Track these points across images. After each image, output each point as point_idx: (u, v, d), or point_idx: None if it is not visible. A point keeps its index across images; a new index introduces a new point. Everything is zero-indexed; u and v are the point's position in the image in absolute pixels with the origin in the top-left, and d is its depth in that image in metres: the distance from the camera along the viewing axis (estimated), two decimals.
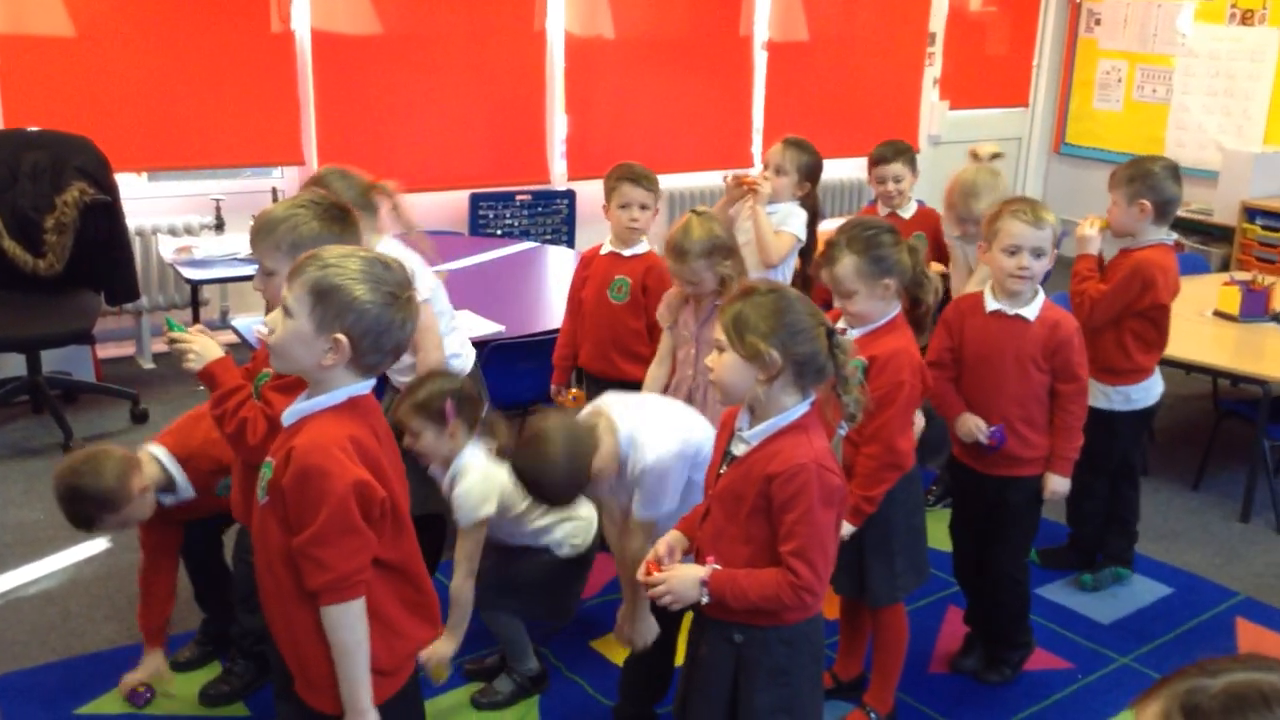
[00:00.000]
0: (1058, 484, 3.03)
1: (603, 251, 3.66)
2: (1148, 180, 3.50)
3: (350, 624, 1.93)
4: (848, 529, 2.69)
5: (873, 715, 2.97)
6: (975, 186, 3.87)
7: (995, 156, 4.05)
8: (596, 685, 3.13)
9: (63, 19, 5.02)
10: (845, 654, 3.10)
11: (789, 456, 2.10)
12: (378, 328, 1.91)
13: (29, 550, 3.80)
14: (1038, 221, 2.89)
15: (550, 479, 2.58)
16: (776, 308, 2.12)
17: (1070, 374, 2.97)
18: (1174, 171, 3.55)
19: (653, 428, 2.62)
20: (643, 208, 3.57)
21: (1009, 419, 2.99)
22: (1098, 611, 3.64)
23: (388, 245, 3.09)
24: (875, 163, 4.37)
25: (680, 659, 2.74)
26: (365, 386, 1.99)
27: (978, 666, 3.27)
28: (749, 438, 2.16)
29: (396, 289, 1.94)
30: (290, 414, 1.98)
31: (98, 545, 3.85)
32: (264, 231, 2.32)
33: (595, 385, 3.58)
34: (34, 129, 4.80)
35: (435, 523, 3.17)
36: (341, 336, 1.89)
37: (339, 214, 2.38)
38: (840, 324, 2.77)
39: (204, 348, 2.35)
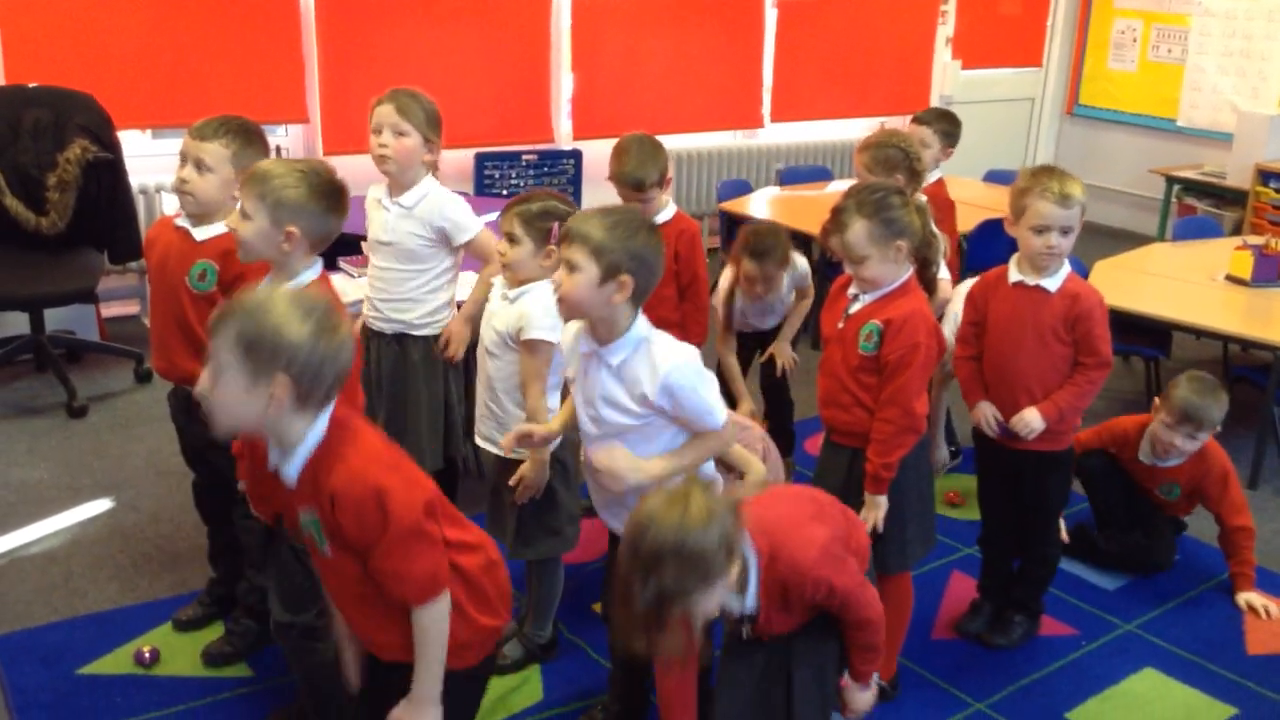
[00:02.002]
0: (1031, 416, 2.95)
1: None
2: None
3: (440, 616, 1.97)
4: (879, 501, 2.69)
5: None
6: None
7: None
8: (598, 649, 3.13)
9: None
10: None
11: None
12: (313, 364, 1.84)
13: (32, 510, 3.80)
14: (1065, 200, 2.85)
15: None
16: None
17: (1091, 348, 2.94)
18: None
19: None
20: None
21: (1032, 392, 2.97)
22: (1102, 577, 3.63)
23: (443, 195, 3.21)
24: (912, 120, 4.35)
25: None
26: (328, 410, 1.91)
27: (984, 629, 3.27)
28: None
29: (323, 318, 1.86)
30: (293, 470, 1.92)
31: (100, 505, 3.86)
32: (256, 180, 2.41)
33: None
34: (35, 85, 4.76)
35: (446, 469, 3.27)
36: (279, 382, 1.82)
37: (331, 191, 2.43)
38: (852, 289, 2.73)
39: None
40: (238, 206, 2.46)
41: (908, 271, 2.72)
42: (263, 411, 1.85)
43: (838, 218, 2.69)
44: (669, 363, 2.29)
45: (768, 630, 2.23)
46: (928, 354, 2.66)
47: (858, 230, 2.64)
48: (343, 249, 3.72)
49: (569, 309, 2.33)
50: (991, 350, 3.04)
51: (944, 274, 3.32)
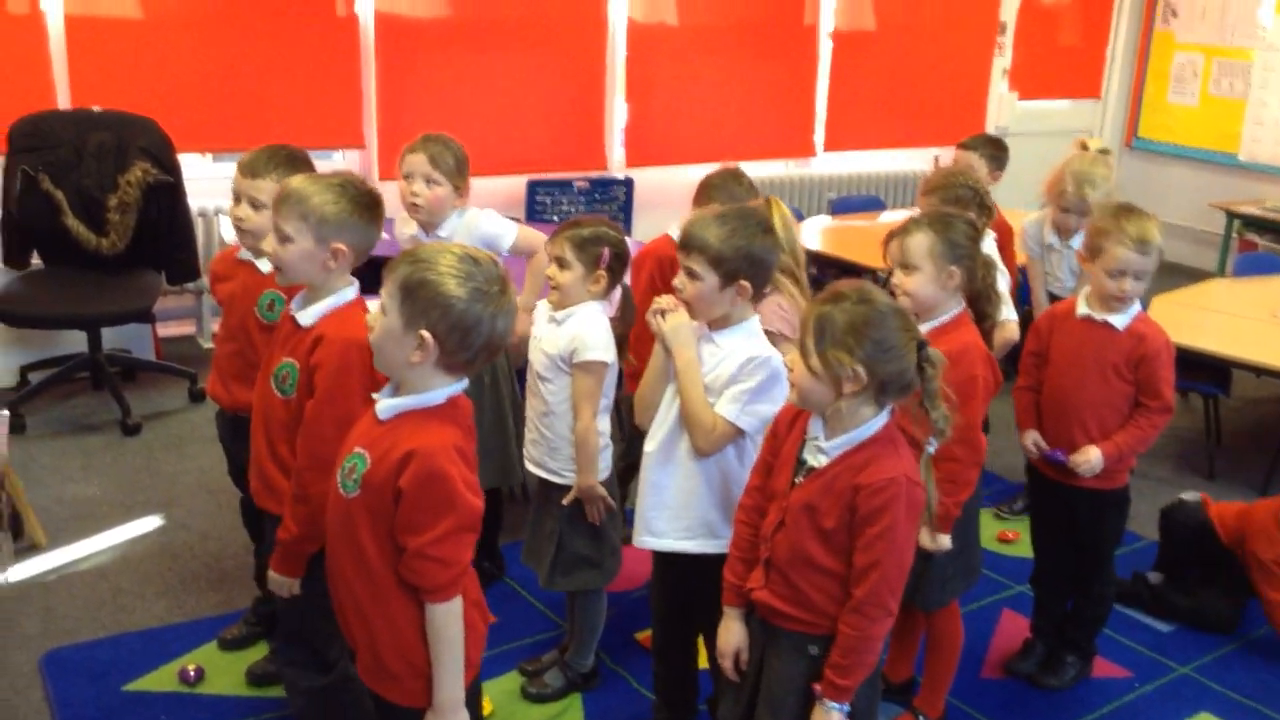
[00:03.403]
0: (1094, 455, 2.89)
1: None
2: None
3: (457, 618, 1.96)
4: (944, 540, 2.64)
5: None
6: (1091, 175, 3.81)
7: (1104, 152, 3.96)
8: (641, 679, 3.10)
9: (130, 1, 5.07)
10: (896, 656, 3.03)
11: (880, 469, 2.03)
12: (464, 324, 1.90)
13: (84, 526, 3.85)
14: (1144, 246, 2.82)
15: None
16: (868, 321, 2.03)
17: (1154, 390, 2.89)
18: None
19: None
20: None
21: (1087, 427, 2.92)
22: (1157, 619, 3.54)
23: (475, 215, 3.25)
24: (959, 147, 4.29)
25: (702, 660, 2.72)
26: (461, 386, 1.99)
27: (1034, 670, 3.20)
28: (828, 449, 2.08)
29: (486, 284, 1.92)
30: (388, 408, 1.97)
31: (151, 523, 3.89)
32: (294, 200, 2.31)
33: None
34: (99, 109, 4.85)
35: (490, 498, 3.18)
36: (426, 334, 1.89)
37: (369, 201, 2.38)
38: None
39: None
40: (272, 232, 2.39)
41: (959, 306, 2.69)
42: (406, 359, 1.91)
43: (905, 224, 2.68)
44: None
45: (774, 555, 2.13)
46: (985, 385, 2.62)
47: (919, 239, 2.62)
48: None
49: (691, 313, 2.44)
50: (1052, 383, 2.99)
51: (1011, 314, 3.26)
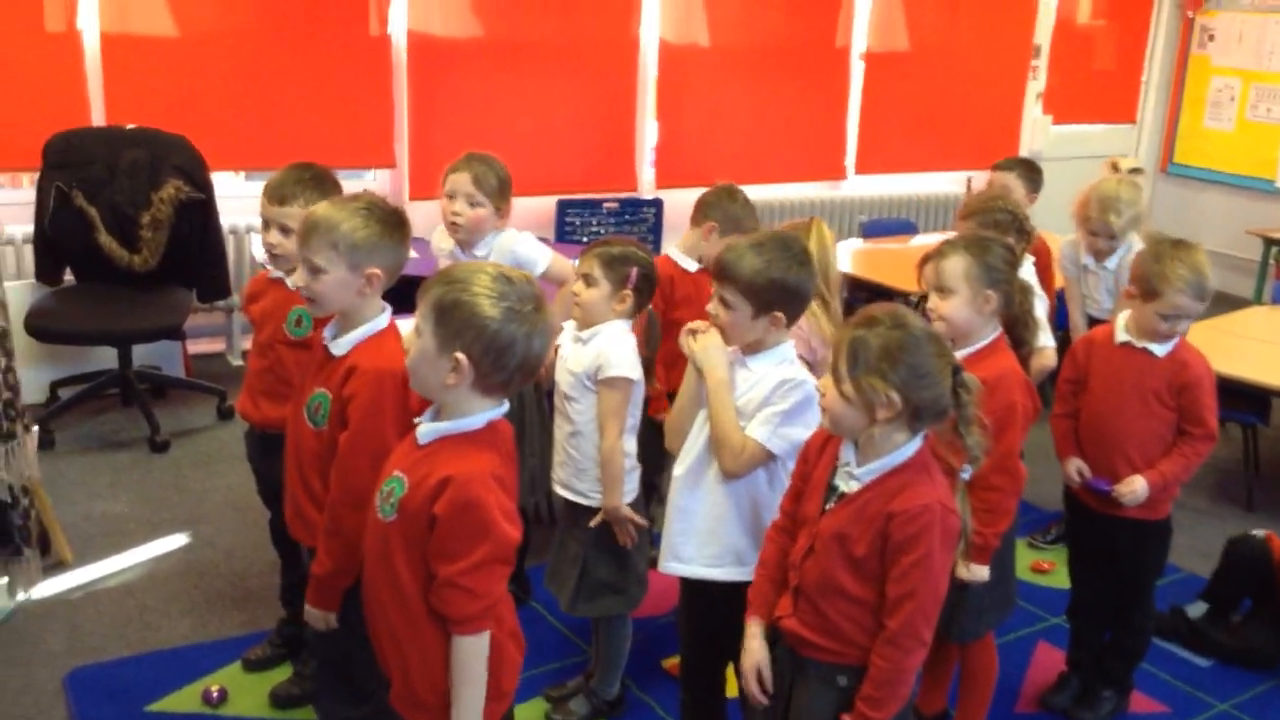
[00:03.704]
0: (1139, 484, 2.83)
1: (691, 269, 3.49)
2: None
3: (482, 653, 1.93)
4: (981, 571, 2.58)
5: None
6: (1117, 199, 3.73)
7: (1135, 171, 3.89)
8: (668, 707, 3.05)
9: (165, 19, 5.10)
10: (929, 688, 2.97)
11: (914, 495, 1.96)
12: (498, 345, 1.88)
13: (111, 542, 3.84)
14: (1202, 292, 2.78)
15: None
16: (903, 347, 1.98)
17: (1197, 417, 2.84)
18: None
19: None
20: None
21: (1130, 456, 2.86)
22: (1196, 654, 3.46)
23: (512, 236, 3.26)
24: (993, 169, 4.24)
25: (731, 690, 2.64)
26: (500, 411, 1.97)
27: (1070, 704, 3.13)
28: (860, 475, 2.04)
29: (520, 304, 1.90)
30: (427, 433, 1.95)
31: (178, 541, 3.88)
32: (323, 229, 2.24)
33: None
34: (132, 126, 4.88)
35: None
36: (462, 356, 1.86)
37: (396, 221, 2.32)
38: None
39: None
40: (299, 266, 2.32)
41: (996, 331, 2.64)
42: (442, 381, 1.89)
43: (940, 247, 2.63)
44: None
45: (802, 579, 2.08)
46: (1025, 412, 2.56)
47: (955, 262, 2.58)
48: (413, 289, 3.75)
49: (724, 338, 2.40)
50: (1091, 410, 2.94)
51: (1048, 340, 3.21)
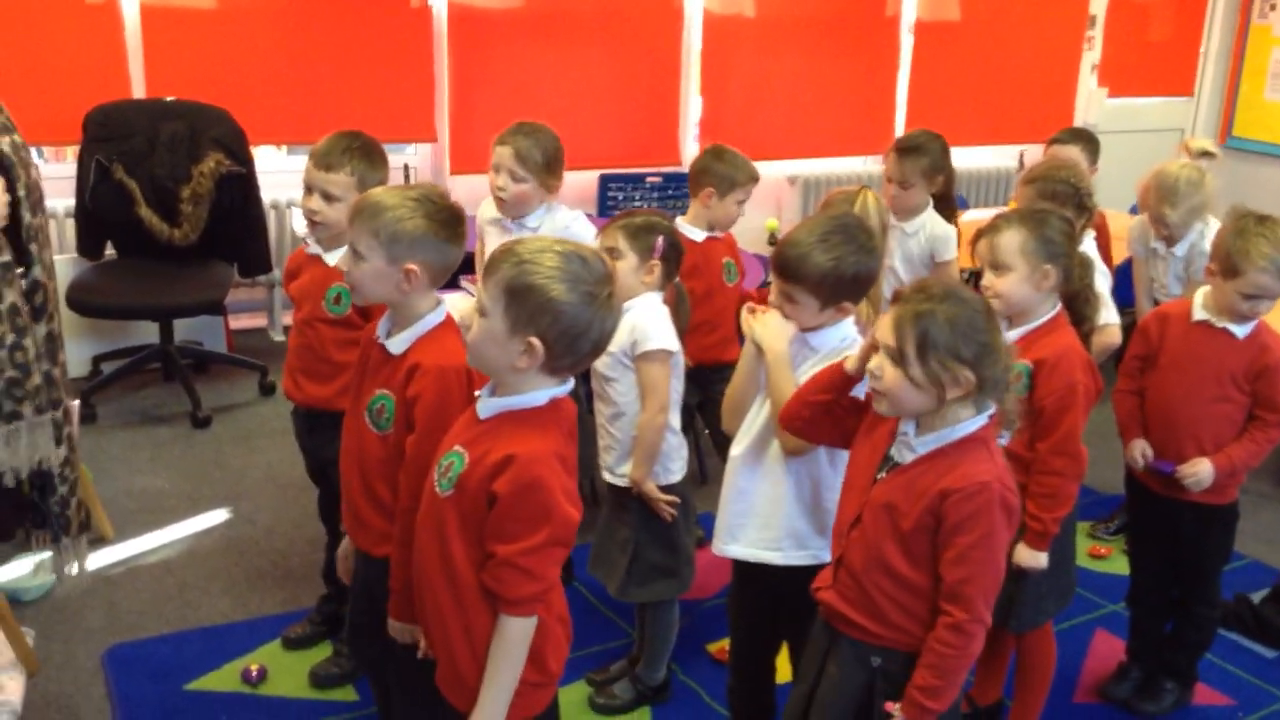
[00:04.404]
0: (1203, 468, 2.72)
1: (698, 238, 3.44)
2: None
3: (527, 637, 1.87)
4: (1041, 558, 2.49)
5: None
6: (1175, 190, 3.58)
7: (1206, 155, 3.74)
8: (714, 693, 2.98)
9: None
10: (983, 678, 2.88)
11: (970, 472, 1.88)
12: (575, 329, 1.80)
13: (151, 518, 3.82)
14: None
15: None
16: (971, 323, 1.88)
17: (1272, 403, 2.72)
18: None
19: None
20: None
21: (1200, 439, 2.74)
22: (1263, 644, 3.34)
23: (566, 216, 3.21)
24: (1049, 143, 4.08)
25: (781, 676, 2.58)
26: (566, 388, 1.90)
27: (1131, 695, 3.03)
28: (916, 446, 1.95)
29: (595, 286, 1.82)
30: (488, 407, 1.88)
31: (218, 517, 3.85)
32: (367, 215, 2.12)
33: (708, 376, 3.41)
34: (172, 99, 4.84)
35: None
36: (535, 340, 1.79)
37: (449, 218, 2.16)
38: None
39: None
40: (346, 248, 2.22)
41: (1055, 307, 2.53)
42: (511, 364, 1.83)
43: (994, 222, 2.52)
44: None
45: (848, 555, 2.00)
46: (1087, 392, 2.45)
47: (1011, 236, 2.47)
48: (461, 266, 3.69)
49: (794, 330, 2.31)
50: (1160, 390, 2.82)
51: (1112, 317, 3.09)
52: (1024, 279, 2.46)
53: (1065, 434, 2.41)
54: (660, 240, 2.68)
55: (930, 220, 3.65)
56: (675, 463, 2.77)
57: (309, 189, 2.70)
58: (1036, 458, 2.46)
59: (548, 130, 3.19)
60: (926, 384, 1.88)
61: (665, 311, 2.71)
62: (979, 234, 2.57)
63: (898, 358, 1.89)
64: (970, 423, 1.92)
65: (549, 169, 3.14)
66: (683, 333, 2.79)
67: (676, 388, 2.74)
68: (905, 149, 3.64)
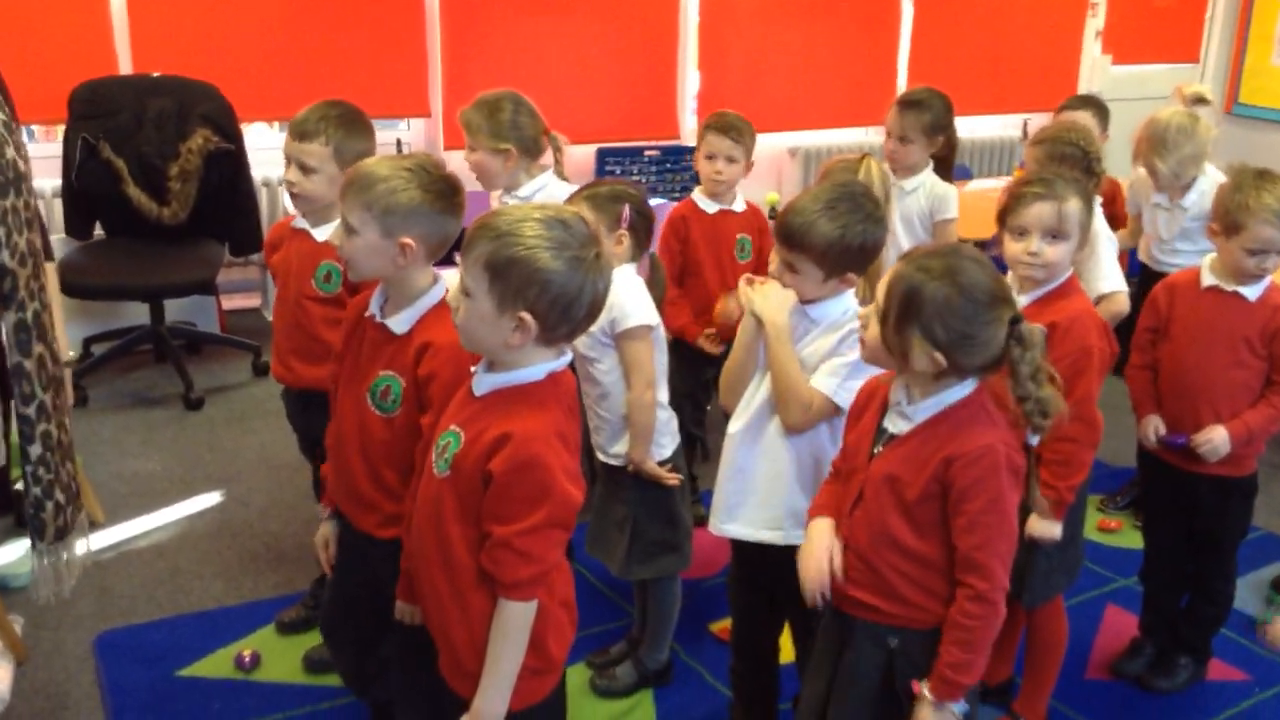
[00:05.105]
0: (1218, 436, 2.65)
1: (710, 210, 3.40)
2: None
3: (527, 623, 1.80)
4: (1055, 529, 2.42)
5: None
6: (1164, 139, 3.48)
7: (1200, 101, 3.63)
8: (717, 674, 2.91)
9: None
10: (994, 655, 2.79)
11: (972, 436, 1.83)
12: (565, 297, 1.73)
13: (143, 501, 3.75)
14: None
15: None
16: (956, 310, 1.81)
17: None
18: None
19: None
20: (729, 160, 3.36)
21: (1217, 408, 2.66)
22: None
23: (547, 182, 3.14)
24: (1059, 110, 3.99)
25: (784, 656, 2.53)
26: (564, 361, 1.83)
27: (1144, 671, 2.96)
28: (911, 414, 1.89)
29: (581, 250, 1.75)
30: (483, 384, 1.81)
31: (211, 499, 3.79)
32: (359, 187, 2.04)
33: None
34: (159, 75, 4.75)
35: None
36: (526, 315, 1.72)
37: (446, 189, 2.08)
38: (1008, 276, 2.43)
39: None
40: (338, 222, 2.13)
41: (1068, 271, 2.45)
42: (504, 342, 1.77)
43: (1050, 186, 2.39)
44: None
45: (852, 537, 1.95)
46: (1101, 356, 2.37)
47: (1074, 206, 2.38)
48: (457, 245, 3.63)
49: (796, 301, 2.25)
50: (1174, 360, 2.74)
51: (1120, 285, 3.01)
52: (1074, 248, 2.41)
53: (1080, 399, 2.33)
54: (627, 209, 2.57)
55: (930, 179, 3.57)
56: (665, 437, 2.69)
57: (287, 160, 2.62)
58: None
59: (499, 97, 3.09)
60: (896, 350, 1.86)
61: (640, 284, 2.62)
62: (1035, 197, 2.41)
63: (880, 316, 1.87)
64: (960, 388, 1.87)
65: (500, 135, 3.05)
66: (659, 303, 2.71)
67: (660, 361, 2.65)
68: (907, 103, 3.57)
